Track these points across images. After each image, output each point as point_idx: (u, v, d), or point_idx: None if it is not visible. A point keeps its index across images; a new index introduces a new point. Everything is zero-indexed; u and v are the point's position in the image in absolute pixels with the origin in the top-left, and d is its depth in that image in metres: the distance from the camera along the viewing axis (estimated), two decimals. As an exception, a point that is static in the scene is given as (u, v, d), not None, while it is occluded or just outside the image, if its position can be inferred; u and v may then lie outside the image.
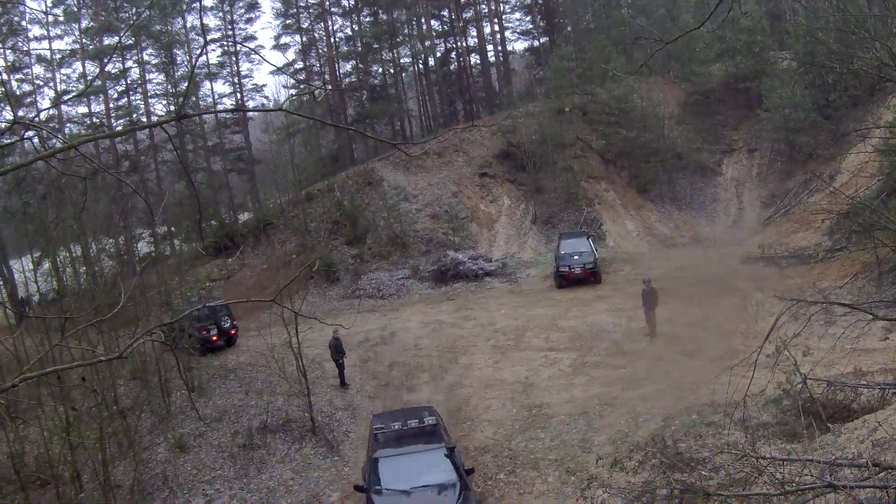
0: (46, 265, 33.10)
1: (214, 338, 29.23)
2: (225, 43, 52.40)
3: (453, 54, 63.87)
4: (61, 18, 48.70)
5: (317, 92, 50.80)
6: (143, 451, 21.13)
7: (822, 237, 34.86)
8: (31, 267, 35.10)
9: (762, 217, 41.94)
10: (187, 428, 23.39)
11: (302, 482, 20.48)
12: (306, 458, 21.69)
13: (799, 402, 16.26)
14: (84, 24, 49.38)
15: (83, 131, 46.85)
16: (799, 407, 16.12)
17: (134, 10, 49.47)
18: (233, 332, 30.39)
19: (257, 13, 56.47)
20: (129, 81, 50.81)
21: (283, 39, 57.36)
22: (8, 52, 47.39)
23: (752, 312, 26.40)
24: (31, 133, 22.38)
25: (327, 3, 56.14)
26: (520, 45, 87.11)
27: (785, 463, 11.78)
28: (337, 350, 25.07)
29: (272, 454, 21.92)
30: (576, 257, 34.90)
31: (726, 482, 14.18)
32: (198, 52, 53.85)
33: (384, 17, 57.78)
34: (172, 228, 46.24)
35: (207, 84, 54.04)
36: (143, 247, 44.80)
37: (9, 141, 15.23)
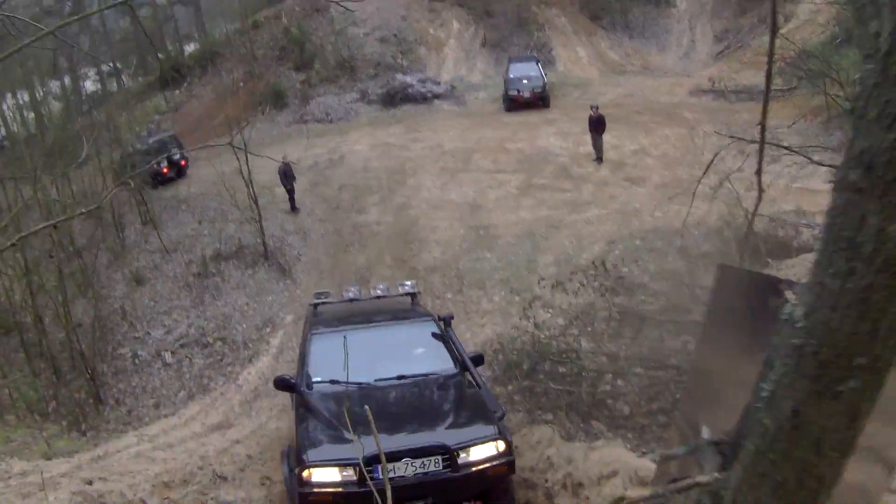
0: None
1: (165, 170, 28.94)
2: None
3: None
4: None
5: None
6: (101, 289, 21.39)
7: (774, 75, 34.82)
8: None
9: (714, 51, 41.85)
10: (143, 261, 23.66)
11: (257, 307, 21.02)
12: (260, 283, 22.14)
13: (740, 235, 16.81)
14: None
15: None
16: (740, 240, 16.67)
17: None
18: (183, 163, 30.06)
19: None
20: None
21: None
22: None
23: (699, 144, 26.93)
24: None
25: None
26: None
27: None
28: (286, 175, 25.14)
29: (226, 281, 22.32)
30: (525, 81, 34.79)
31: (666, 307, 14.85)
32: None
33: None
34: (118, 65, 45.05)
35: None
36: (90, 86, 43.78)
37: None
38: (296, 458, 8.27)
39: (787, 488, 1.58)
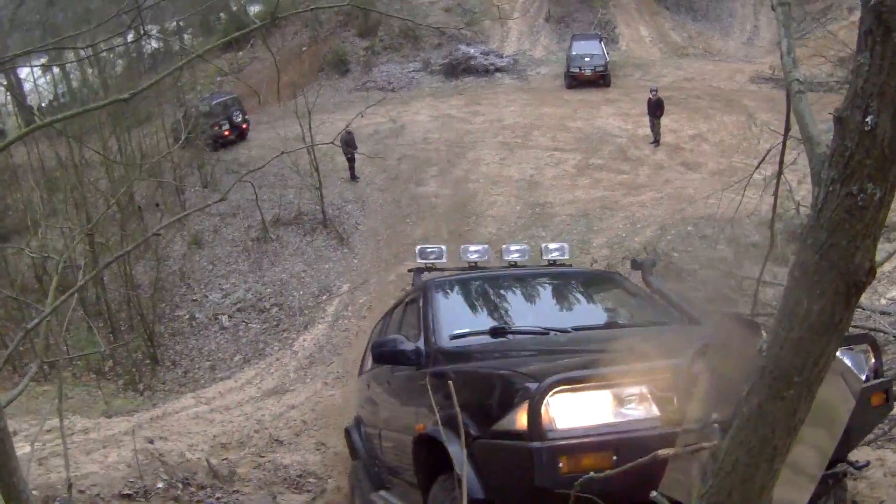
0: (56, 70, 32.84)
1: (226, 132, 29.20)
2: None
3: None
4: None
5: None
6: (161, 250, 21.81)
7: (836, 66, 34.38)
8: (40, 72, 34.63)
9: (777, 38, 41.18)
10: (202, 224, 24.00)
11: (314, 274, 21.31)
12: (318, 251, 22.44)
13: (790, 227, 16.69)
14: None
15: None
16: (790, 232, 16.55)
17: None
18: (244, 126, 30.34)
19: None
20: None
21: None
22: None
23: (756, 133, 26.63)
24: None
25: None
26: None
27: (770, 285, 12.34)
28: (348, 144, 25.22)
29: (285, 247, 22.65)
30: (587, 59, 34.57)
31: (713, 296, 14.79)
32: None
33: None
34: (181, 23, 45.30)
35: None
36: (154, 44, 44.15)
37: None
38: (486, 401, 4.23)
39: (754, 452, 2.41)
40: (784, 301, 2.40)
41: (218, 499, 6.68)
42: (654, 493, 2.83)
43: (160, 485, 6.74)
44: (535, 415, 3.64)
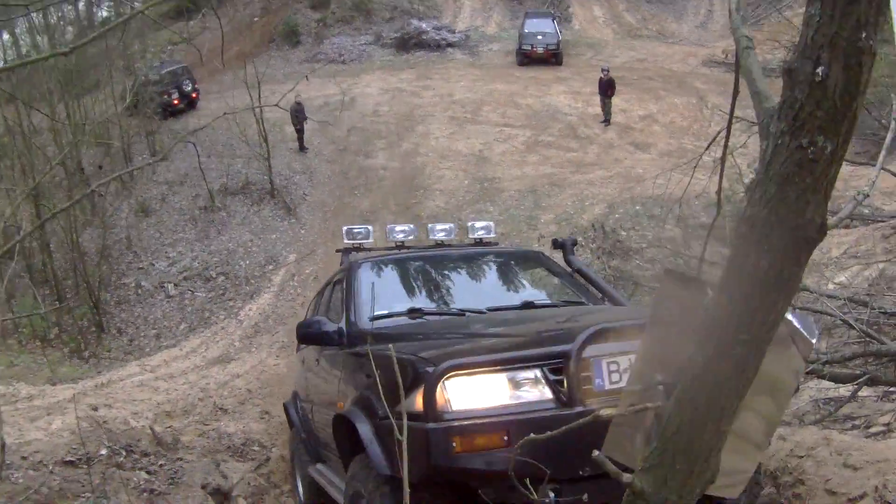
0: (5, 36, 32.24)
1: (176, 101, 28.86)
2: None
3: None
4: None
5: None
6: (108, 217, 21.58)
7: (787, 53, 34.82)
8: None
9: (730, 23, 41.63)
10: (150, 192, 23.80)
11: (260, 244, 21.26)
12: (265, 220, 22.38)
13: (738, 209, 16.98)
14: None
15: None
16: (737, 215, 16.82)
17: None
18: (194, 95, 30.02)
19: None
20: None
21: None
22: None
23: (707, 115, 26.99)
24: None
25: None
26: None
27: (715, 265, 12.60)
28: (298, 114, 25.19)
29: (232, 216, 22.55)
30: (539, 37, 34.67)
31: (659, 275, 15.05)
32: None
33: None
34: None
35: None
36: (105, 12, 43.40)
37: None
38: (390, 384, 3.82)
39: (700, 413, 2.34)
40: (731, 257, 2.31)
41: (161, 466, 6.73)
42: (596, 454, 2.73)
43: (103, 451, 6.78)
44: (430, 397, 3.86)
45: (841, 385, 8.09)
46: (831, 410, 7.74)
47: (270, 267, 20.33)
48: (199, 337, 17.60)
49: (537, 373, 4.01)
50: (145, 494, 5.84)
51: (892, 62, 18.74)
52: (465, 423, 3.83)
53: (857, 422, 7.22)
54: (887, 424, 6.14)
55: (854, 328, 7.68)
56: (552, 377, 4.01)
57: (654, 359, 3.05)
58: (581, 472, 3.85)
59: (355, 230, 7.88)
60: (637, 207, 20.20)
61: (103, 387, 12.93)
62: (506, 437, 3.63)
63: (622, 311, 6.07)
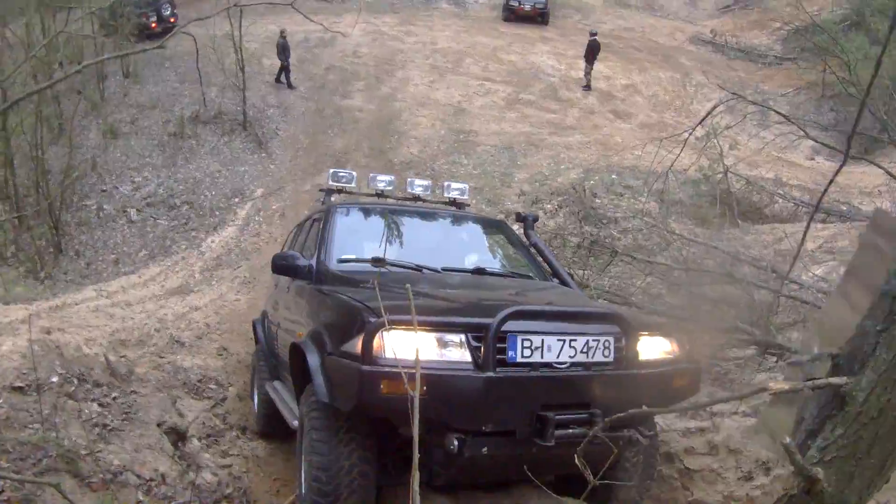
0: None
1: (153, 24, 28.02)
2: None
3: None
4: None
5: None
6: (75, 136, 20.93)
7: (776, 42, 34.97)
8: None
9: (721, 3, 41.52)
10: (120, 114, 23.17)
11: (228, 175, 20.84)
12: (234, 152, 21.95)
13: (717, 190, 16.95)
14: None
15: None
16: (716, 195, 16.80)
17: None
18: (172, 19, 29.23)
19: None
20: None
21: None
22: None
23: (690, 93, 26.95)
24: None
25: None
26: None
27: (691, 243, 12.55)
28: (284, 50, 24.87)
29: (201, 145, 22.09)
30: (528, -6, 34.49)
31: (632, 246, 14.95)
32: None
33: None
34: None
35: None
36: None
37: None
38: (340, 325, 5.01)
39: None
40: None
41: (115, 399, 6.45)
42: (787, 441, 2.51)
43: (54, 379, 6.49)
44: (367, 344, 4.41)
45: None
46: None
47: (236, 200, 19.97)
48: (158, 265, 17.20)
49: (462, 337, 4.57)
50: (97, 429, 5.55)
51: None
52: (394, 369, 4.22)
53: None
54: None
55: None
56: (474, 343, 4.56)
57: (832, 326, 2.91)
58: (484, 428, 4.55)
59: (340, 174, 8.39)
60: (613, 176, 20.13)
61: (58, 309, 12.58)
62: (425, 388, 4.00)
63: (560, 291, 6.67)
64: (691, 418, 7.09)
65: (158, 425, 6.09)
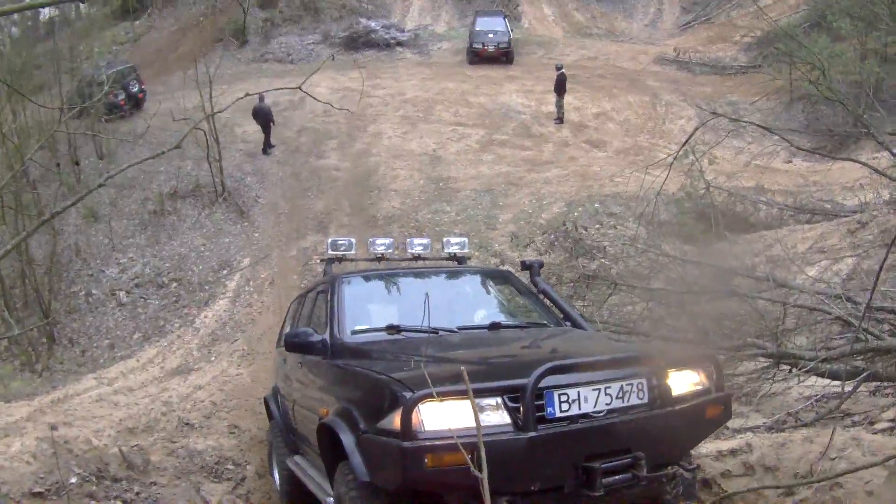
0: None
1: (122, 102, 28.22)
2: None
3: None
4: None
5: None
6: (56, 223, 20.79)
7: (739, 52, 35.45)
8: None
9: (680, 22, 42.05)
10: (99, 197, 22.88)
11: (213, 248, 20.71)
12: (217, 224, 21.84)
13: (700, 206, 17.01)
14: None
15: None
16: (699, 212, 16.86)
17: None
18: (140, 96, 29.43)
19: None
20: None
21: None
22: None
23: (661, 113, 27.14)
24: None
25: None
26: None
27: (685, 263, 12.55)
28: (268, 114, 25.37)
29: (183, 220, 21.99)
30: (490, 35, 34.71)
31: (625, 272, 14.94)
32: None
33: None
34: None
35: None
36: (48, 11, 42.37)
37: None
38: (371, 402, 5.04)
39: None
40: None
41: (137, 494, 6.35)
42: None
43: (73, 480, 6.39)
44: (406, 419, 4.38)
45: (831, 382, 8.05)
46: (831, 409, 7.64)
47: (224, 272, 19.82)
48: (154, 346, 17.01)
49: (498, 400, 4.58)
50: (128, 528, 5.44)
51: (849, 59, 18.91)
52: (436, 442, 4.34)
53: (855, 418, 7.14)
54: (893, 420, 6.00)
55: (852, 325, 7.64)
56: (511, 404, 4.58)
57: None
58: (532, 487, 4.57)
59: (339, 242, 8.43)
60: (596, 205, 20.22)
61: (60, 402, 12.38)
62: (469, 456, 3.87)
63: (579, 335, 6.73)
64: (722, 440, 7.08)
65: (187, 516, 5.97)
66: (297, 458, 7.71)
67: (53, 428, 8.94)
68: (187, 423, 10.83)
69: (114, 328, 18.23)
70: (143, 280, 19.69)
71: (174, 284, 19.46)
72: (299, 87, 6.70)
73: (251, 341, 15.80)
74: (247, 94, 8.63)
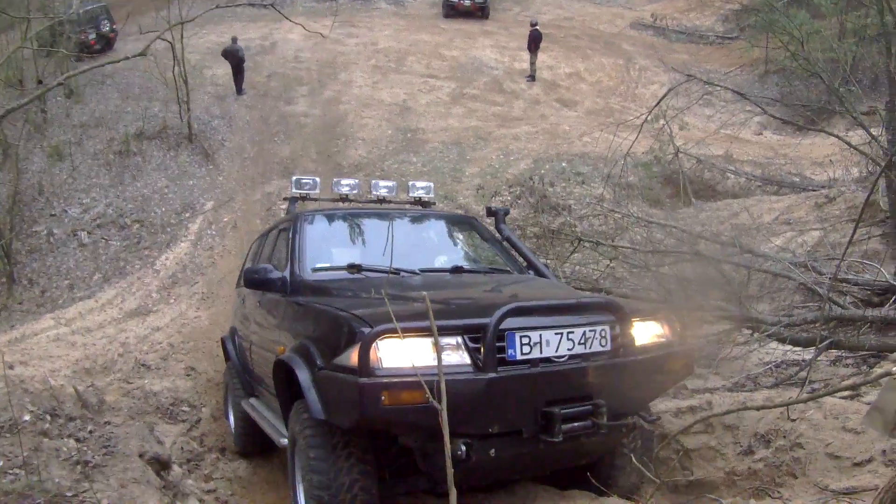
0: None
1: (92, 42, 27.69)
2: None
3: None
4: None
5: None
6: (19, 162, 20.52)
7: (716, 22, 35.51)
8: None
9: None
10: (64, 135, 22.68)
11: (177, 190, 20.45)
12: (182, 166, 21.58)
13: (668, 171, 17.12)
14: None
15: None
16: (668, 176, 16.98)
17: None
18: (112, 36, 28.98)
19: None
20: None
21: None
22: None
23: (634, 77, 27.14)
24: None
25: None
26: None
27: (651, 225, 12.62)
28: (237, 55, 24.93)
29: (148, 161, 21.66)
30: (468, -11, 34.63)
31: (590, 232, 15.02)
32: None
33: None
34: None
35: None
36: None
37: None
38: (328, 337, 4.93)
39: None
40: None
41: (91, 432, 6.31)
42: None
43: (27, 417, 6.34)
44: (364, 356, 4.26)
45: (791, 349, 8.15)
46: (791, 374, 7.75)
47: (187, 214, 19.62)
48: (114, 288, 16.84)
49: (458, 340, 4.49)
50: (79, 467, 5.42)
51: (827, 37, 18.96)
52: (394, 380, 4.24)
53: (816, 385, 7.22)
54: (854, 387, 6.11)
55: (817, 293, 7.74)
56: (471, 344, 4.49)
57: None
58: (490, 430, 4.51)
59: (303, 181, 8.13)
60: (563, 164, 20.21)
61: (17, 342, 12.32)
62: (427, 395, 3.80)
63: (542, 283, 6.74)
64: (681, 400, 7.15)
65: (140, 456, 5.96)
66: (252, 400, 7.63)
67: (10, 367, 8.90)
68: (144, 365, 10.82)
69: (74, 268, 18.02)
70: (105, 221, 19.43)
71: (136, 226, 19.23)
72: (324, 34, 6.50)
73: (211, 284, 15.72)
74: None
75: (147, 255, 18.27)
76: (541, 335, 4.64)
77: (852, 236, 7.02)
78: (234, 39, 24.03)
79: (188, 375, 10.52)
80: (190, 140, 22.45)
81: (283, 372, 5.42)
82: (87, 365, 10.46)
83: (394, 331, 4.26)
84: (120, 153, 21.80)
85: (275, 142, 22.91)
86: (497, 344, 4.49)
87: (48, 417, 6.52)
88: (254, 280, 6.28)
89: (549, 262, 11.78)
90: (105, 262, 18.11)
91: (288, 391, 5.44)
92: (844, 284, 8.65)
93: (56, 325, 14.03)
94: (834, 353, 7.93)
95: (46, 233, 19.05)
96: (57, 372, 9.48)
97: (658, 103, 11.46)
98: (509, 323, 4.54)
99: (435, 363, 4.18)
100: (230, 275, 14.95)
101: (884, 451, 4.84)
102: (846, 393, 6.04)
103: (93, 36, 27.87)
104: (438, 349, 3.96)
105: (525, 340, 4.60)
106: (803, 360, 7.85)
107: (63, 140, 22.23)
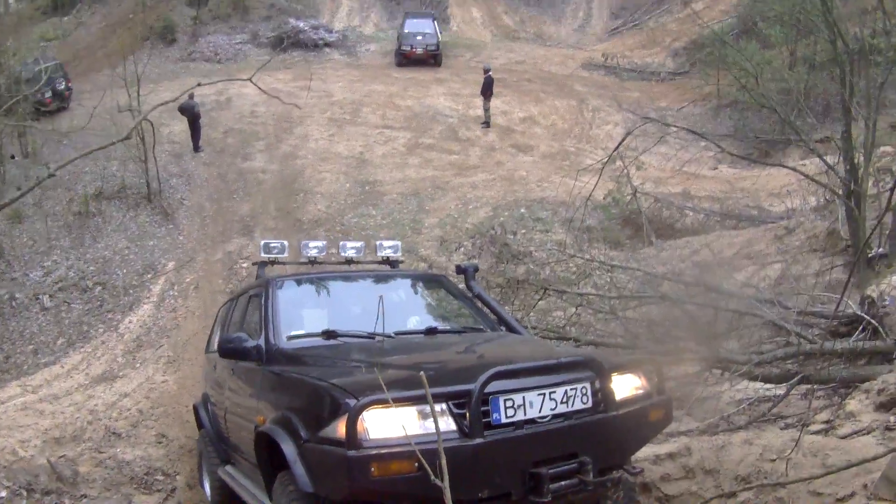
0: None
1: (48, 101, 27.59)
2: None
3: None
4: None
5: None
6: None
7: (667, 58, 36.15)
8: None
9: (608, 27, 42.74)
10: (24, 197, 22.46)
11: (137, 251, 20.39)
12: (142, 227, 21.54)
13: (626, 212, 17.32)
14: None
15: None
16: (626, 217, 17.19)
17: None
18: (67, 94, 28.98)
19: None
20: None
21: None
22: None
23: (588, 118, 27.56)
24: None
25: None
26: None
27: (614, 269, 12.84)
28: (195, 111, 25.06)
29: (108, 222, 21.60)
30: (419, 38, 34.94)
31: (552, 278, 15.20)
32: None
33: None
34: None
35: None
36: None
37: None
38: (311, 409, 4.96)
39: None
40: None
41: (68, 507, 6.42)
42: None
43: (3, 493, 6.44)
44: (351, 427, 4.30)
45: (763, 386, 8.29)
46: (763, 411, 7.88)
47: (149, 276, 19.58)
48: (79, 352, 16.75)
49: (443, 406, 4.56)
50: (61, 544, 5.53)
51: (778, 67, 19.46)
52: (382, 451, 4.29)
53: (789, 420, 7.37)
54: (828, 422, 6.29)
55: (787, 329, 7.91)
56: (456, 411, 4.57)
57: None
58: (480, 495, 4.52)
59: (271, 245, 8.22)
60: (522, 210, 20.46)
61: (-16, 412, 12.28)
62: (416, 464, 3.94)
63: (516, 340, 6.83)
64: (658, 445, 7.28)
65: (119, 531, 6.07)
66: (228, 468, 7.62)
67: (-21, 438, 8.93)
68: (114, 433, 10.83)
69: (37, 333, 17.92)
70: (66, 283, 19.35)
71: (98, 288, 19.18)
72: (249, 80, 6.78)
73: (176, 347, 15.71)
74: (199, 84, 8.72)
75: (110, 319, 18.20)
76: (524, 397, 4.74)
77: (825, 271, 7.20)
78: (191, 95, 24.14)
79: (160, 443, 10.54)
80: (149, 199, 22.41)
81: (266, 443, 5.43)
82: (57, 434, 10.44)
83: (379, 401, 4.32)
84: (79, 214, 21.72)
85: (234, 199, 22.95)
86: (482, 409, 4.57)
87: (24, 493, 6.60)
88: (228, 350, 6.33)
89: (514, 311, 11.96)
90: (69, 326, 18.02)
91: (270, 462, 5.44)
92: (811, 317, 8.85)
93: (23, 392, 13.95)
94: (804, 386, 8.13)
95: (8, 297, 18.92)
96: (27, 442, 9.48)
97: (616, 149, 11.76)
98: (493, 387, 4.63)
99: (420, 431, 4.37)
100: (195, 337, 14.99)
101: (865, 486, 4.95)
102: (818, 427, 6.22)
103: (48, 94, 27.69)
104: (436, 418, 3.96)
105: (509, 403, 4.70)
106: (776, 396, 8.01)
107: (22, 202, 22.11)
